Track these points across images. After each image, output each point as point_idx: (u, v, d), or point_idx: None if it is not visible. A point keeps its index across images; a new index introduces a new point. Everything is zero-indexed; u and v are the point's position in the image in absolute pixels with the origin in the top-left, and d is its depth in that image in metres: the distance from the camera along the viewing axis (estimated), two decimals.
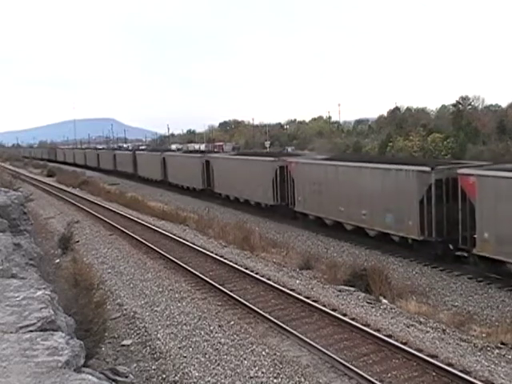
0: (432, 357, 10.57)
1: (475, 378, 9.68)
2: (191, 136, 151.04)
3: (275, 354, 11.04)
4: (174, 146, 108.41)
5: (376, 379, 9.77)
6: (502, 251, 17.29)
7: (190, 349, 11.55)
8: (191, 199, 41.31)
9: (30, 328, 3.20)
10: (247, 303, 14.06)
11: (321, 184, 26.58)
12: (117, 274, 18.12)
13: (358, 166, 24.79)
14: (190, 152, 58.30)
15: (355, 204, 23.93)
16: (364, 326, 12.34)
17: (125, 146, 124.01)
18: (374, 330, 12.05)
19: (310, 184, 27.55)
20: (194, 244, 21.87)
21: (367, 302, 14.32)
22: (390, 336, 11.75)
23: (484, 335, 12.28)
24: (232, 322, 13.00)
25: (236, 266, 18.12)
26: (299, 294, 14.90)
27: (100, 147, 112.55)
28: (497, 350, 11.09)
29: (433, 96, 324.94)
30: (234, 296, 14.70)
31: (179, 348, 11.63)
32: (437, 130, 65.03)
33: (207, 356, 11.14)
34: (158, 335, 12.43)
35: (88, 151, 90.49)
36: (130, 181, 56.67)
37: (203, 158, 43.19)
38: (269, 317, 12.99)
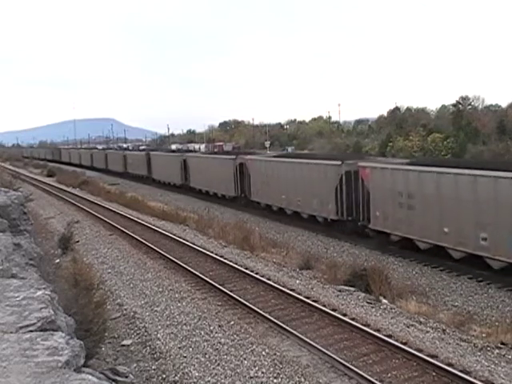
0: (432, 357, 10.57)
1: (475, 377, 9.68)
2: (191, 136, 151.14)
3: (275, 354, 11.04)
4: (173, 146, 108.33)
5: (376, 379, 9.77)
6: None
7: (190, 349, 11.56)
8: (226, 209, 36.10)
9: (30, 328, 3.20)
10: (247, 303, 14.06)
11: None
12: (117, 274, 18.12)
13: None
14: (217, 153, 55.76)
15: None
16: (364, 325, 12.34)
17: (125, 145, 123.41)
18: (374, 330, 12.04)
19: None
20: (194, 244, 21.88)
21: (367, 302, 14.32)
22: (390, 336, 11.75)
23: (484, 335, 12.28)
24: (232, 322, 13.00)
25: (236, 266, 18.12)
26: (299, 294, 14.90)
27: (100, 147, 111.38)
28: (497, 350, 11.08)
29: (433, 96, 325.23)
30: (234, 296, 14.70)
31: (179, 348, 11.63)
32: (437, 130, 65.05)
33: (207, 356, 11.14)
34: (158, 335, 12.43)
35: (95, 152, 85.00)
36: (144, 184, 52.75)
37: (237, 160, 36.75)
38: (269, 317, 12.99)
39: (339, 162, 25.81)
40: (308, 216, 28.20)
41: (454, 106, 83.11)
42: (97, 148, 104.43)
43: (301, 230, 27.50)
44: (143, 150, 75.32)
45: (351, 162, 25.49)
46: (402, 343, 11.29)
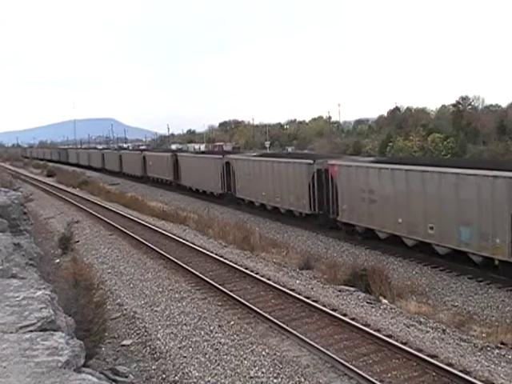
0: (432, 357, 10.57)
1: (475, 377, 9.67)
2: (191, 136, 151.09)
3: (275, 354, 11.04)
4: (174, 146, 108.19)
5: (376, 379, 9.77)
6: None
7: (190, 349, 11.55)
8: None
9: (30, 328, 3.20)
10: (247, 303, 14.06)
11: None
12: (117, 274, 18.12)
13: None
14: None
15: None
16: (364, 326, 12.34)
17: (125, 145, 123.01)
18: (374, 330, 12.04)
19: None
20: (193, 244, 21.88)
21: (367, 302, 14.32)
22: (390, 336, 11.75)
23: (484, 335, 12.27)
24: (232, 322, 13.00)
25: (236, 265, 18.11)
26: (299, 293, 14.89)
27: (100, 147, 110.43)
28: (497, 350, 11.08)
29: (433, 96, 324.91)
30: (234, 296, 14.70)
31: (179, 348, 11.63)
32: (437, 130, 65.04)
33: (207, 356, 11.14)
34: (158, 335, 12.43)
35: (107, 152, 77.32)
36: (168, 191, 47.38)
37: (313, 165, 27.74)
38: (269, 317, 12.99)
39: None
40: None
41: (454, 106, 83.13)
42: (109, 148, 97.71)
43: (301, 229, 27.50)
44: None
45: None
46: (402, 343, 11.29)
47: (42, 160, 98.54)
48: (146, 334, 12.61)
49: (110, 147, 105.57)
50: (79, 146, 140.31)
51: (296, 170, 29.15)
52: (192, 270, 17.49)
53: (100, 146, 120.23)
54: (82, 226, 27.17)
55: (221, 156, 40.24)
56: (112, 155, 70.84)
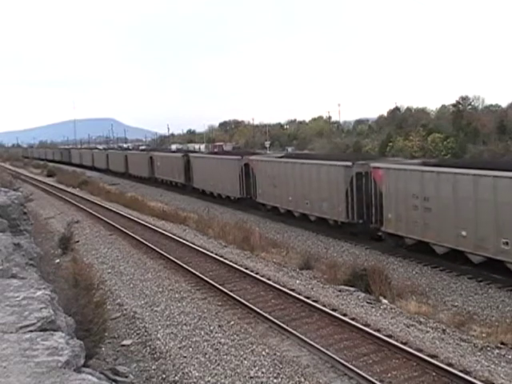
0: (432, 357, 10.57)
1: (475, 377, 9.67)
2: (191, 136, 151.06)
3: (275, 354, 11.04)
4: (173, 146, 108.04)
5: (376, 379, 9.77)
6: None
7: (190, 349, 11.55)
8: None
9: (30, 328, 3.20)
10: (247, 303, 14.06)
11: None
12: (117, 274, 18.11)
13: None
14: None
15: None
16: (364, 326, 12.33)
17: (125, 145, 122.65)
18: (374, 330, 12.04)
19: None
20: (193, 244, 21.87)
21: (367, 302, 14.31)
22: (390, 336, 11.75)
23: (484, 335, 12.27)
24: (232, 322, 12.99)
25: (236, 265, 18.11)
26: (299, 293, 14.89)
27: (101, 147, 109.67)
28: (497, 350, 11.08)
29: (433, 96, 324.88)
30: (234, 296, 14.69)
31: (179, 348, 11.63)
32: (437, 130, 65.04)
33: (207, 356, 11.14)
34: (158, 335, 12.43)
35: (111, 152, 73.14)
36: (179, 194, 44.23)
37: (351, 168, 24.67)
38: (269, 317, 12.99)
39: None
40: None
41: (454, 106, 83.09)
42: (114, 148, 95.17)
43: (301, 229, 27.50)
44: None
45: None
46: (402, 343, 11.29)
47: (44, 160, 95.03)
48: (145, 333, 12.61)
49: (112, 147, 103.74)
50: (81, 146, 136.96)
51: (331, 173, 25.85)
52: (192, 270, 17.49)
53: (100, 146, 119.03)
54: (82, 226, 27.16)
55: (239, 157, 36.80)
56: (117, 155, 67.54)
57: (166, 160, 50.35)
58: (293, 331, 12.04)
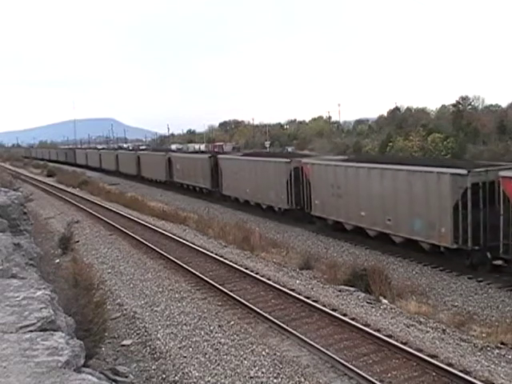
0: (432, 357, 10.57)
1: (475, 377, 9.68)
2: (191, 136, 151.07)
3: (275, 354, 11.04)
4: (173, 146, 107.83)
5: (376, 379, 9.77)
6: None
7: (190, 349, 11.55)
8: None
9: (30, 328, 3.20)
10: (247, 303, 14.06)
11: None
12: (117, 274, 18.12)
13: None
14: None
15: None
16: (364, 326, 12.34)
17: (125, 145, 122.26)
18: (374, 330, 12.04)
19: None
20: (193, 244, 21.88)
21: (367, 302, 14.31)
22: (390, 336, 11.75)
23: (484, 335, 12.27)
24: (232, 322, 13.00)
25: (236, 265, 18.12)
26: (299, 293, 14.90)
27: (100, 147, 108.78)
28: (497, 350, 11.08)
29: (433, 96, 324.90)
30: (234, 296, 14.70)
31: (179, 348, 11.63)
32: (437, 130, 65.00)
33: (207, 356, 11.14)
34: (158, 335, 12.43)
35: (121, 153, 66.88)
36: (205, 200, 38.80)
37: (466, 177, 19.01)
38: (269, 317, 12.99)
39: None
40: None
41: (454, 106, 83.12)
42: (122, 148, 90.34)
43: (301, 229, 27.50)
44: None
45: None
46: (402, 343, 11.29)
47: (47, 161, 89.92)
48: (145, 333, 12.61)
49: (117, 147, 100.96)
50: (88, 146, 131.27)
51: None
52: (192, 270, 17.49)
53: (100, 146, 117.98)
54: (82, 226, 27.16)
55: (288, 159, 30.53)
56: (128, 156, 62.00)
57: (187, 162, 44.71)
58: (293, 331, 12.04)
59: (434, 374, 10.01)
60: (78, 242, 22.60)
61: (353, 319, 12.81)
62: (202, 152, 55.69)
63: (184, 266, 18.13)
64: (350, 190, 24.58)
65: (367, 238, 23.61)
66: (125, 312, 14.18)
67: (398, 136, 66.90)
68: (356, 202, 24.12)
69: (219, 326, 12.79)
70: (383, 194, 22.38)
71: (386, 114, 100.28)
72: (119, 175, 60.63)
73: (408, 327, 12.47)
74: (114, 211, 32.09)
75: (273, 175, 30.94)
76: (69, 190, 45.84)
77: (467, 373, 9.89)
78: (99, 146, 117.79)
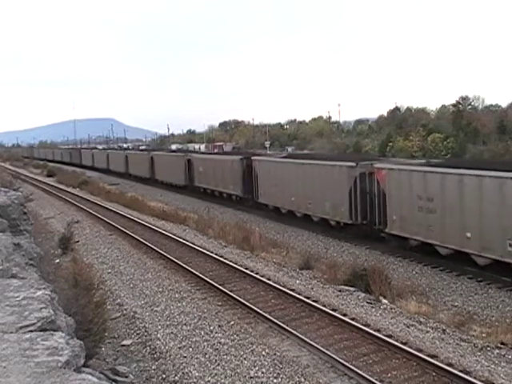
0: (432, 357, 10.57)
1: (475, 377, 9.68)
2: (191, 136, 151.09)
3: (275, 354, 11.04)
4: (174, 146, 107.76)
5: (376, 379, 9.77)
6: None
7: (190, 349, 11.55)
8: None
9: (30, 328, 3.20)
10: (247, 303, 14.06)
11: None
12: (117, 274, 18.12)
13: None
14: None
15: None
16: (364, 326, 12.33)
17: (125, 145, 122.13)
18: (374, 330, 12.04)
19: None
20: (193, 244, 21.87)
21: (367, 302, 14.31)
22: (390, 336, 11.75)
23: (484, 335, 12.27)
24: (232, 322, 12.99)
25: (236, 265, 18.11)
26: (299, 293, 14.89)
27: (100, 147, 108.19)
28: (497, 350, 11.08)
29: (433, 96, 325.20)
30: (234, 296, 14.70)
31: (179, 348, 11.63)
32: (437, 130, 65.12)
33: (207, 356, 11.14)
34: (158, 335, 12.43)
35: (131, 153, 61.97)
36: (243, 211, 33.13)
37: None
38: (269, 317, 12.99)
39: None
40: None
41: (454, 106, 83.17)
42: (129, 147, 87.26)
43: (301, 229, 27.48)
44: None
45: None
46: (402, 343, 11.29)
47: (50, 162, 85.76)
48: (145, 333, 12.61)
49: (117, 147, 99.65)
50: (94, 146, 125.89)
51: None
52: (192, 270, 17.48)
53: (100, 146, 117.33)
54: (82, 226, 27.16)
55: (353, 163, 24.69)
56: (139, 157, 57.33)
57: (213, 164, 39.17)
58: (293, 331, 12.04)
59: (433, 374, 10.01)
60: (77, 241, 22.59)
61: (353, 319, 12.80)
62: (231, 153, 50.55)
63: (184, 265, 18.13)
64: (449, 204, 19.08)
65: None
66: (125, 312, 14.18)
67: (397, 136, 67.02)
68: (459, 219, 18.79)
69: (219, 325, 12.79)
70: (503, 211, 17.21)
71: (386, 114, 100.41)
72: (129, 178, 56.40)
73: (408, 327, 12.47)
74: (114, 211, 32.09)
75: (330, 182, 25.32)
76: (69, 189, 45.83)
77: (467, 373, 9.89)
78: (99, 146, 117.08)
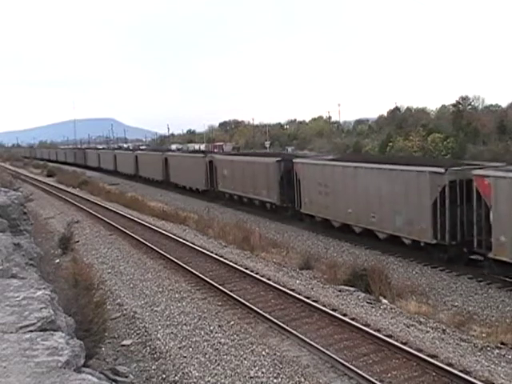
0: (432, 357, 10.57)
1: (475, 377, 9.68)
2: (191, 136, 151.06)
3: (275, 354, 11.04)
4: (173, 146, 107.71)
5: (376, 379, 9.77)
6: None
7: (190, 349, 11.55)
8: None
9: (30, 328, 3.20)
10: (247, 303, 14.06)
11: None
12: (117, 274, 18.11)
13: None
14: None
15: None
16: (364, 326, 12.33)
17: (125, 146, 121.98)
18: (374, 330, 12.04)
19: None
20: (193, 244, 21.87)
21: (367, 302, 14.31)
22: (390, 336, 11.75)
23: (484, 335, 12.27)
24: (232, 322, 12.99)
25: (236, 265, 18.11)
26: (299, 293, 14.89)
27: (100, 147, 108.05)
28: (497, 350, 11.08)
29: (433, 96, 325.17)
30: (234, 296, 14.70)
31: (179, 348, 11.63)
32: (437, 130, 65.02)
33: (207, 356, 11.14)
34: (158, 335, 12.43)
35: (141, 154, 58.42)
36: (281, 223, 29.49)
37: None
38: (269, 317, 12.99)
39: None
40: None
41: (453, 106, 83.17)
42: (140, 148, 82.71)
43: (301, 229, 27.48)
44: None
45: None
46: (402, 343, 11.29)
47: (53, 163, 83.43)
48: (145, 333, 12.61)
49: (117, 147, 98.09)
50: (95, 146, 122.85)
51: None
52: (192, 270, 17.48)
53: (100, 146, 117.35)
54: (82, 226, 27.16)
55: (441, 169, 20.00)
56: (151, 158, 52.86)
57: (241, 167, 34.97)
58: (293, 331, 12.04)
59: (434, 373, 10.01)
60: (77, 241, 22.59)
61: (353, 319, 12.80)
62: (264, 154, 45.63)
63: (184, 265, 18.12)
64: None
65: (369, 238, 23.60)
66: (125, 312, 14.17)
67: (398, 136, 66.91)
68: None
69: (219, 325, 12.79)
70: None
71: (386, 114, 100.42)
72: (138, 180, 53.27)
73: (408, 327, 12.47)
74: (114, 211, 32.08)
75: (404, 191, 21.17)
76: (69, 189, 45.82)
77: (467, 373, 9.89)
78: (99, 146, 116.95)
